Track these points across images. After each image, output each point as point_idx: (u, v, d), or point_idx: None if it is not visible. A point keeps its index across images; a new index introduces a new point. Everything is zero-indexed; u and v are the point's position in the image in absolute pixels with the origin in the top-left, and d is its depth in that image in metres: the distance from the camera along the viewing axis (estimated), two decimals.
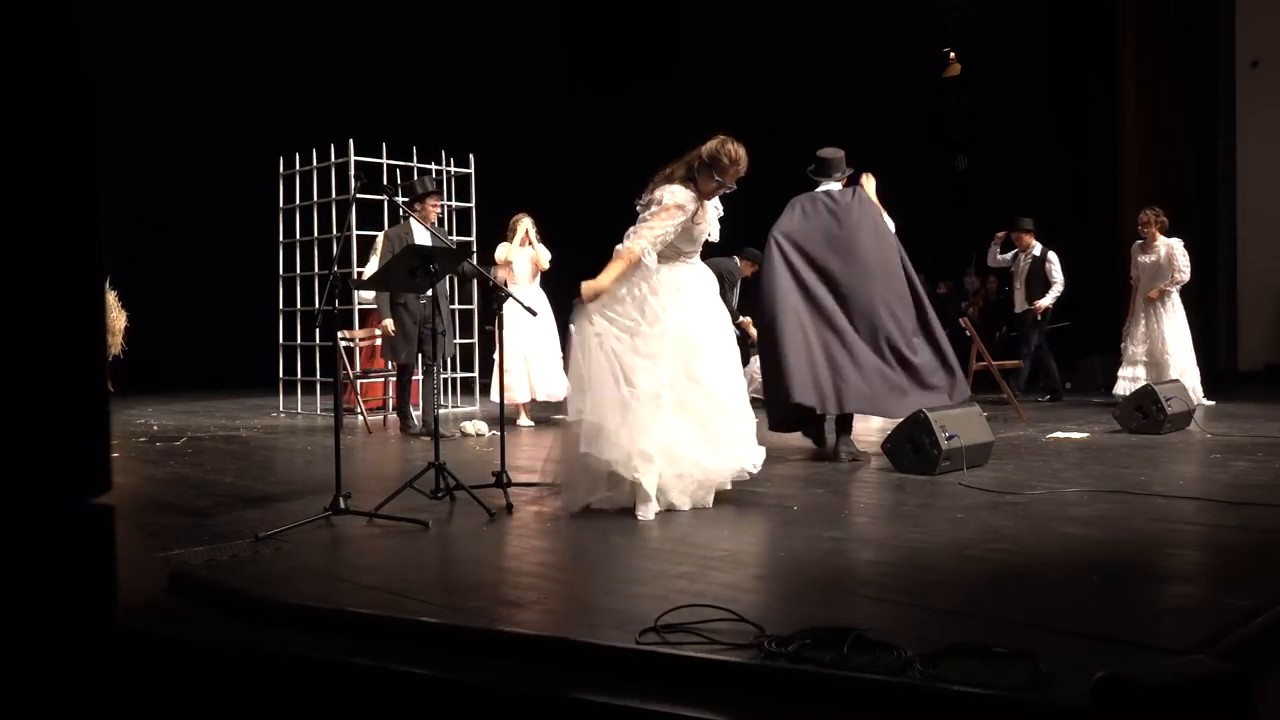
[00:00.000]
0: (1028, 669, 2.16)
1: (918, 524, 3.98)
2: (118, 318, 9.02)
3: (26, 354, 1.02)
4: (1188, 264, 8.70)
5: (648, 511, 4.15)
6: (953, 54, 11.88)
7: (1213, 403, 8.53)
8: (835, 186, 5.84)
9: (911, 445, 5.23)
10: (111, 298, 8.98)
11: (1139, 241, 8.92)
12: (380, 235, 7.88)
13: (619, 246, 4.40)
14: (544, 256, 8.09)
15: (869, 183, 6.15)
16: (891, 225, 6.01)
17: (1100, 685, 1.80)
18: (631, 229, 4.42)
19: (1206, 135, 10.81)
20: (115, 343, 8.96)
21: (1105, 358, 10.01)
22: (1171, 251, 8.70)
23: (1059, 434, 6.85)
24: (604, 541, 3.81)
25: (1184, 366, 8.56)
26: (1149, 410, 6.68)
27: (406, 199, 6.95)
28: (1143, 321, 8.79)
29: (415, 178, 7.37)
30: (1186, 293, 8.78)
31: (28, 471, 1.01)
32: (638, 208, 4.54)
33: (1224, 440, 6.32)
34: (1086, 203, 9.86)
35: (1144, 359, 8.72)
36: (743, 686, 2.14)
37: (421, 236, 6.90)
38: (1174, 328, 8.68)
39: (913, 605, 2.85)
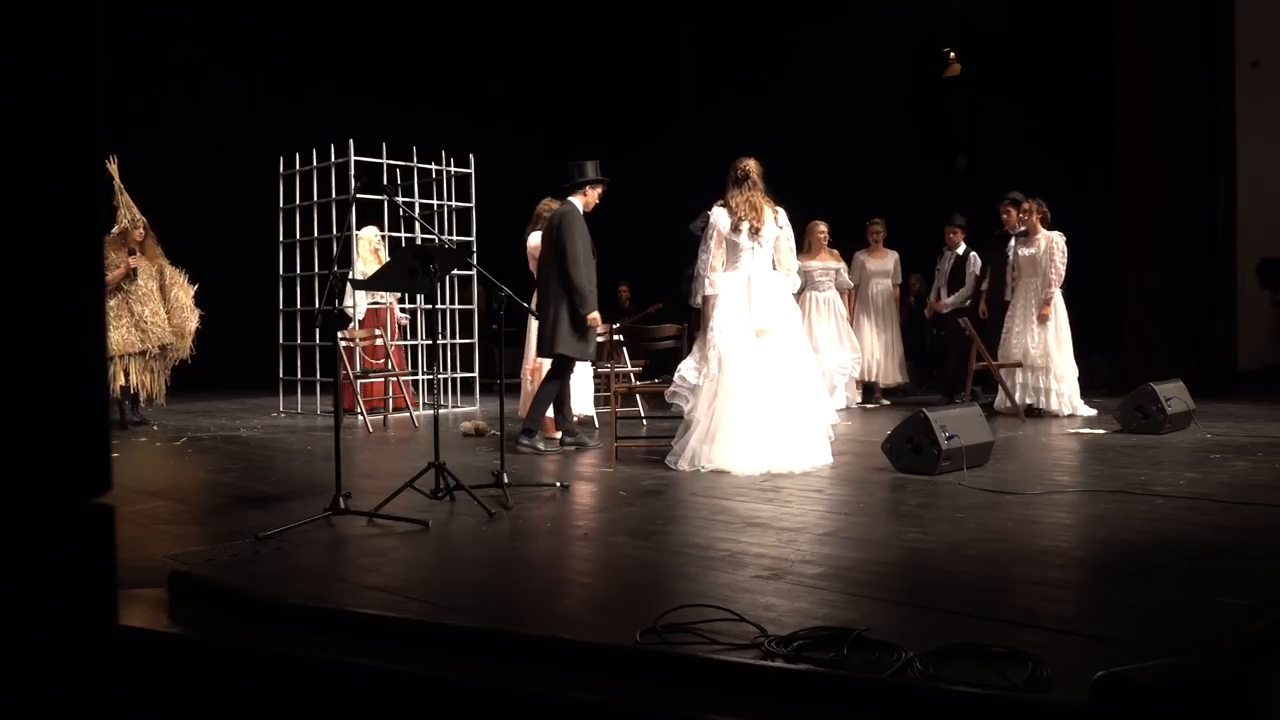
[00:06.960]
0: (1028, 669, 2.17)
1: (918, 524, 3.98)
2: (190, 317, 8.19)
3: (26, 354, 1.02)
4: (1065, 261, 8.00)
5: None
6: (953, 54, 11.87)
7: (1094, 412, 7.86)
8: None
9: (911, 445, 5.22)
10: (186, 295, 8.23)
11: (1022, 235, 8.33)
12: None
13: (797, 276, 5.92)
14: None
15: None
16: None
17: (1100, 685, 1.80)
18: (779, 255, 5.65)
19: (1206, 135, 10.80)
20: (185, 345, 8.17)
21: (1107, 358, 9.99)
22: (1051, 246, 8.02)
23: (1075, 430, 6.99)
24: (604, 541, 3.81)
25: (1062, 372, 7.98)
26: (1149, 410, 6.68)
27: (572, 183, 6.42)
28: (1021, 321, 8.15)
29: (581, 163, 6.50)
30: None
31: (28, 471, 1.01)
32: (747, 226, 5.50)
33: (1224, 440, 6.32)
34: (1086, 202, 9.82)
35: (1021, 359, 8.10)
36: (743, 686, 2.14)
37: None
38: (1054, 330, 8.03)
39: (913, 605, 2.85)
